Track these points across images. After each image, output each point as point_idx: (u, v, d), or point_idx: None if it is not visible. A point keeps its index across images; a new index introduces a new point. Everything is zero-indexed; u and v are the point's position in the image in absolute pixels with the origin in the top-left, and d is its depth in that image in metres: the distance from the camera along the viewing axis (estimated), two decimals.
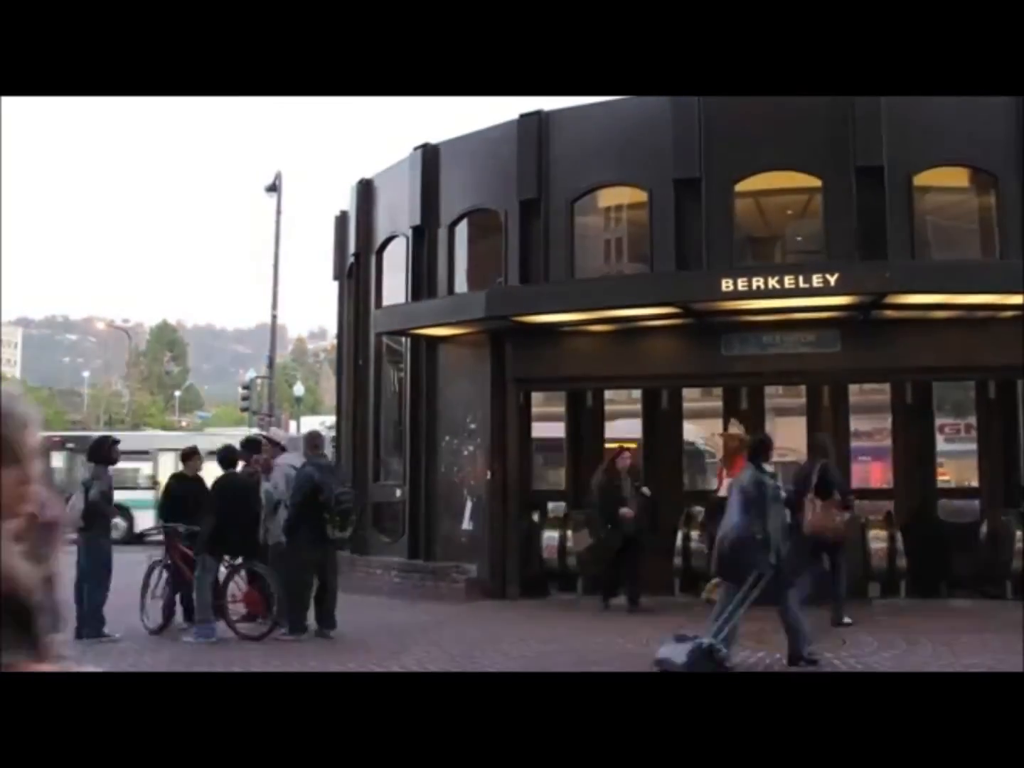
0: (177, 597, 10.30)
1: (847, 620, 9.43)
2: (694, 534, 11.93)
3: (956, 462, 13.64)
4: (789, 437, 12.93)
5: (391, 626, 10.31)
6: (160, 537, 11.13)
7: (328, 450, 13.93)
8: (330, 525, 9.48)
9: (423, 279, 13.76)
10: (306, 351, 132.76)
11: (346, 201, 16.77)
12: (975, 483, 12.78)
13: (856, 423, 13.97)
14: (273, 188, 27.08)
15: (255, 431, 20.44)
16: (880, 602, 11.32)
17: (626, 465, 11.49)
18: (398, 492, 13.83)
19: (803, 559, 8.87)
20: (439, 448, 13.18)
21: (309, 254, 32.41)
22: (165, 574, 10.31)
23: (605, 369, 12.35)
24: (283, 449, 10.88)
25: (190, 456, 10.96)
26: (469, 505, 12.63)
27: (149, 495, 22.22)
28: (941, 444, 13.53)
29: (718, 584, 8.75)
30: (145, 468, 24.39)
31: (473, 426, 12.75)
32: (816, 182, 11.80)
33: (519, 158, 12.78)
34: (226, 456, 10.28)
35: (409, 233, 14.04)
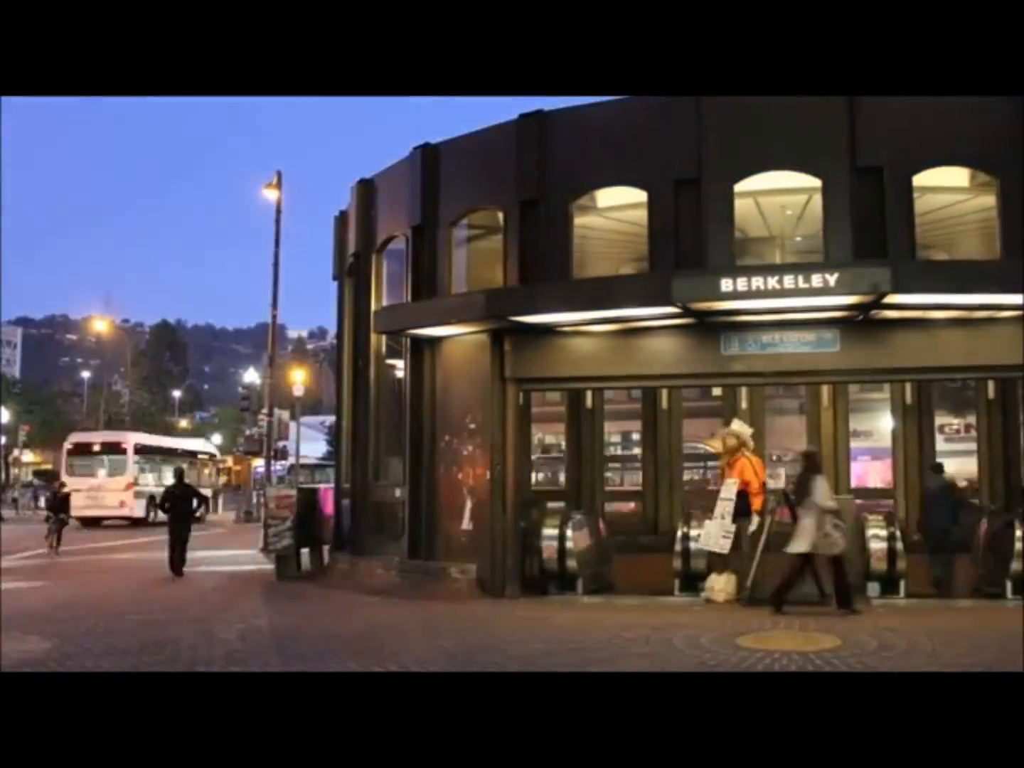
0: None
1: None
2: (693, 533, 11.92)
3: (956, 462, 13.66)
4: (789, 437, 12.94)
5: (391, 626, 10.31)
6: None
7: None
8: None
9: (423, 279, 13.75)
10: (306, 351, 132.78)
11: (346, 201, 16.77)
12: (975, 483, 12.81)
13: (856, 423, 13.98)
14: (273, 188, 27.08)
15: None
16: (880, 602, 11.32)
17: None
18: (398, 492, 13.82)
19: None
20: (439, 448, 13.16)
21: (309, 254, 32.40)
22: None
23: (605, 369, 12.33)
24: None
25: None
26: (469, 505, 12.62)
27: None
28: (941, 444, 13.55)
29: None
30: None
31: (473, 426, 12.74)
32: (816, 182, 11.79)
33: (519, 158, 12.76)
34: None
35: (409, 233, 14.03)
